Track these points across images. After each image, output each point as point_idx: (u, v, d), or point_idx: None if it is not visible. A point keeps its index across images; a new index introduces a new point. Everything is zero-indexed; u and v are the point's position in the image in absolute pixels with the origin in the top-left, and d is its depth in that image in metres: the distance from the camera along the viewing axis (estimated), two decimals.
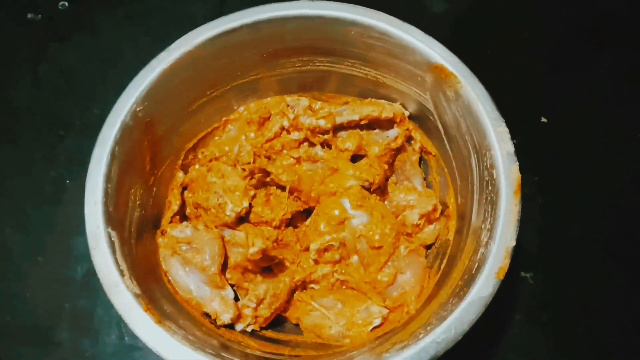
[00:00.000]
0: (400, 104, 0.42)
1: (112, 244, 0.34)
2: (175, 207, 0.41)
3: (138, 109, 0.37)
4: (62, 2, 0.56)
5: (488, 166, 0.35)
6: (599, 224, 0.46)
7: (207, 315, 0.37)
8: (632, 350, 0.42)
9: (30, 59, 0.54)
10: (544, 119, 0.49)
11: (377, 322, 0.36)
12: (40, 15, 0.55)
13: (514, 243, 0.32)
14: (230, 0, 0.56)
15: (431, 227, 0.40)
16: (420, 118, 0.42)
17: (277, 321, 0.40)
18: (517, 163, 0.34)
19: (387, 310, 0.37)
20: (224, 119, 0.44)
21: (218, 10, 0.55)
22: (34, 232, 0.47)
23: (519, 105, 0.48)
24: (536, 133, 0.49)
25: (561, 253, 0.45)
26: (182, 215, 0.42)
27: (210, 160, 0.43)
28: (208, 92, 0.42)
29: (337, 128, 0.41)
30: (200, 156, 0.43)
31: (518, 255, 0.37)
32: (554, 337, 0.42)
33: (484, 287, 0.31)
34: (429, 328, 0.31)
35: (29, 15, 0.55)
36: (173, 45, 0.39)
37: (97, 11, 0.56)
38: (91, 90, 0.52)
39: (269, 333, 0.39)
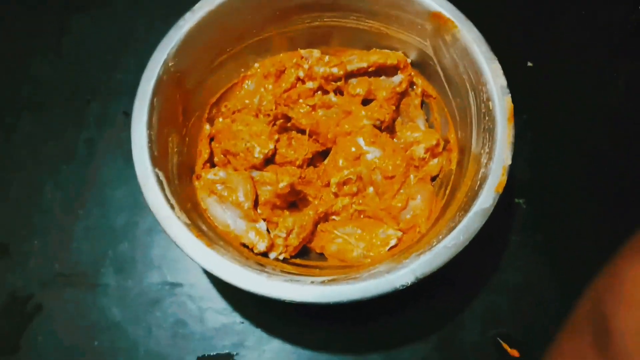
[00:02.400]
0: (402, 52, 0.47)
1: (160, 183, 0.38)
2: (205, 155, 0.46)
3: (170, 64, 0.41)
4: None
5: (484, 99, 0.40)
6: (583, 153, 0.51)
7: (245, 246, 0.42)
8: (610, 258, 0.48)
9: (52, 31, 0.57)
10: (530, 63, 0.54)
11: (393, 242, 0.42)
12: None
13: (509, 162, 0.37)
14: None
15: (435, 160, 0.45)
16: (421, 65, 0.47)
17: (303, 251, 0.45)
18: (510, 94, 0.39)
19: (401, 232, 0.42)
20: (242, 75, 0.48)
21: None
22: (72, 189, 0.51)
23: (507, 51, 0.53)
24: (523, 76, 0.54)
25: (550, 180, 0.50)
26: (211, 164, 0.47)
27: (234, 113, 0.47)
28: (228, 49, 0.46)
29: (348, 76, 0.46)
30: (223, 109, 0.48)
31: (511, 184, 0.42)
32: (547, 254, 0.48)
33: (485, 200, 0.36)
34: (440, 237, 0.36)
35: None
36: (197, 6, 0.43)
37: None
38: (112, 58, 0.56)
39: (297, 261, 0.44)
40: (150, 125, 0.40)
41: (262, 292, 0.35)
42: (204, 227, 0.40)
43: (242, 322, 0.46)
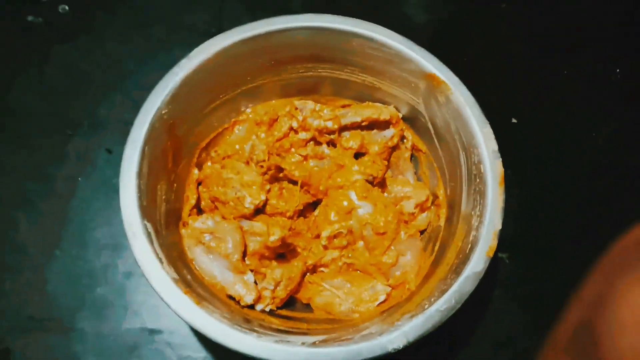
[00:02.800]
0: (394, 107, 0.48)
1: (148, 234, 0.37)
2: (192, 201, 0.45)
3: (164, 112, 0.41)
4: (62, 6, 0.58)
5: (476, 162, 0.41)
6: (567, 210, 0.53)
7: (231, 298, 0.41)
8: None
9: (35, 61, 0.55)
10: (514, 120, 0.56)
11: (382, 297, 0.42)
12: (41, 19, 0.57)
13: (500, 226, 0.38)
14: (228, 11, 0.59)
15: (424, 215, 0.46)
16: (411, 119, 0.48)
17: (290, 301, 0.44)
18: (500, 159, 0.40)
19: (390, 288, 0.42)
20: (233, 120, 0.48)
21: (218, 19, 0.59)
22: (49, 227, 0.49)
23: (491, 108, 0.55)
24: (507, 132, 0.55)
25: (533, 236, 0.51)
26: (198, 209, 0.46)
27: (223, 158, 0.47)
28: (221, 96, 0.46)
29: (341, 129, 0.46)
30: (213, 154, 0.47)
31: None
32: (529, 309, 0.48)
33: (477, 264, 0.37)
34: (432, 299, 0.36)
35: (30, 18, 0.57)
36: (192, 53, 0.42)
37: (98, 15, 0.58)
38: (97, 91, 0.55)
39: (284, 312, 0.43)
40: (140, 175, 0.39)
41: (253, 354, 0.34)
42: (190, 279, 0.39)
43: None
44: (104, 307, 0.47)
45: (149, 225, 0.38)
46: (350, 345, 0.35)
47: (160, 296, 0.36)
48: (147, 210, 0.38)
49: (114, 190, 0.38)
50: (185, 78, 0.42)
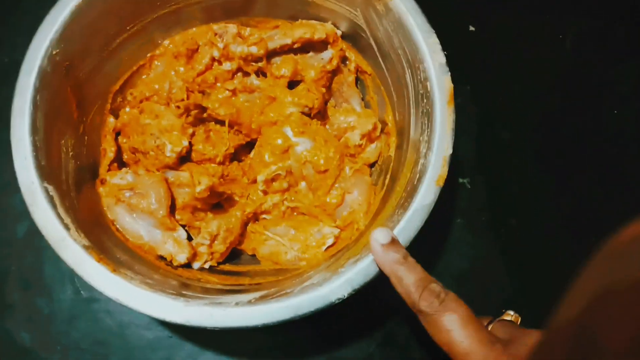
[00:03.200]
0: (331, 24, 0.41)
1: (51, 199, 0.32)
2: (110, 154, 0.40)
3: (54, 52, 0.35)
4: None
5: (422, 79, 0.35)
6: (531, 125, 0.48)
7: (162, 258, 0.37)
8: (558, 240, 0.46)
9: None
10: (472, 27, 0.50)
11: (329, 241, 0.38)
12: None
13: (450, 151, 0.33)
14: None
15: (373, 145, 0.41)
16: (353, 37, 0.42)
17: (234, 254, 0.40)
18: (449, 73, 0.35)
19: (339, 230, 0.38)
20: (148, 54, 0.42)
21: None
22: None
23: (447, 15, 0.48)
24: (465, 42, 0.50)
25: (496, 158, 0.47)
26: (119, 162, 0.41)
27: (141, 101, 0.41)
28: (128, 27, 0.39)
29: (270, 54, 0.40)
30: (129, 97, 0.41)
31: (455, 163, 0.40)
32: (492, 236, 0.45)
33: (425, 196, 0.33)
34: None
35: None
36: None
37: None
38: None
39: (227, 267, 0.39)
40: (34, 130, 0.33)
41: (180, 321, 0.30)
42: (109, 244, 0.35)
43: (170, 337, 0.41)
44: (33, 278, 0.42)
45: (50, 187, 0.33)
46: (289, 299, 0.31)
47: (70, 266, 0.31)
48: (47, 171, 0.33)
49: None
50: (77, 9, 0.35)
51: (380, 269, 0.31)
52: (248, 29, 0.42)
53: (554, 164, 0.47)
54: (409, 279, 0.29)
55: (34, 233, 0.43)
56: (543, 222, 0.46)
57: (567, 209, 0.46)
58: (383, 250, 0.31)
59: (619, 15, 0.52)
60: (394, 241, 0.31)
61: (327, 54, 0.41)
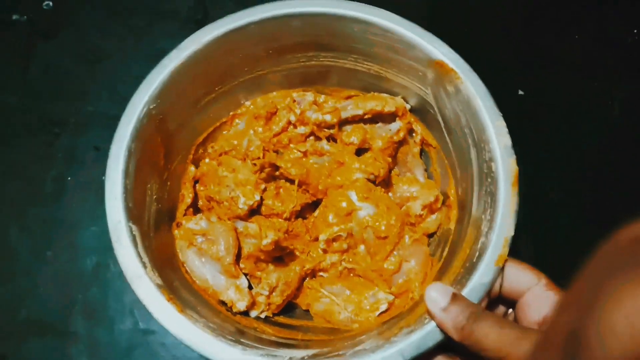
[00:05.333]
0: (401, 98, 0.44)
1: (133, 238, 0.35)
2: (188, 200, 0.43)
3: (151, 107, 0.39)
4: (46, 2, 0.56)
5: (487, 159, 0.37)
6: (577, 190, 0.48)
7: (223, 303, 0.39)
8: None
9: (19, 59, 0.54)
10: (521, 92, 0.52)
11: (383, 307, 0.39)
12: (25, 17, 0.55)
13: (512, 233, 0.34)
14: None
15: (433, 216, 0.42)
16: (421, 111, 0.44)
17: (288, 307, 0.42)
18: (515, 156, 0.36)
19: (393, 297, 0.39)
20: (231, 113, 0.46)
21: (202, 5, 0.56)
22: (39, 231, 0.48)
23: (497, 79, 0.50)
24: (514, 105, 0.51)
25: (542, 221, 0.47)
26: (195, 208, 0.44)
27: (220, 154, 0.44)
28: (216, 89, 0.43)
29: (342, 122, 0.43)
30: (210, 150, 0.45)
31: None
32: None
33: (484, 274, 0.33)
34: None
35: (14, 17, 0.55)
36: (183, 44, 0.40)
37: (81, 9, 0.56)
38: (81, 87, 0.53)
39: (281, 319, 0.41)
40: (126, 174, 0.37)
41: None
42: (177, 284, 0.37)
43: None
44: (97, 309, 0.46)
45: (134, 227, 0.36)
46: None
47: (142, 302, 0.34)
48: (133, 212, 0.37)
49: (103, 188, 0.37)
50: (174, 70, 0.39)
51: (447, 335, 0.30)
52: (323, 96, 0.46)
53: (602, 226, 0.47)
54: (495, 347, 0.28)
55: (101, 267, 0.47)
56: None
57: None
58: (443, 313, 0.30)
59: None
60: (456, 297, 0.30)
61: (395, 125, 0.43)
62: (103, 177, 0.38)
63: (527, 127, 0.50)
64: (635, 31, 0.53)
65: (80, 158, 0.50)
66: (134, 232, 0.36)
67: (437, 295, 0.31)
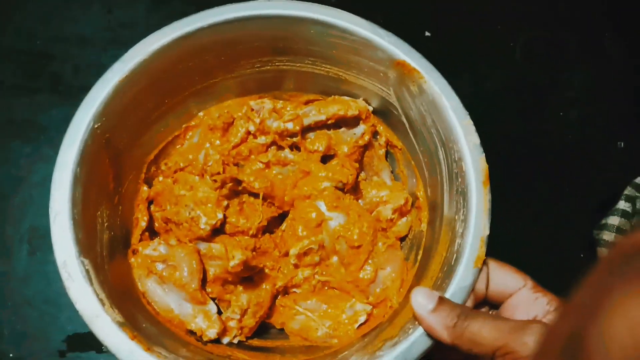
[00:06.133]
0: (363, 100, 0.42)
1: (87, 273, 0.32)
2: (143, 223, 0.40)
3: (96, 126, 0.35)
4: None
5: (456, 159, 0.36)
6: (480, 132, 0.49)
7: (192, 332, 0.37)
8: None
9: None
10: (427, 33, 0.53)
11: (362, 319, 0.37)
12: None
13: (487, 232, 0.34)
14: None
15: (404, 219, 0.41)
16: (384, 113, 0.43)
17: (262, 328, 0.39)
18: (484, 154, 0.35)
19: (371, 307, 0.38)
20: (184, 126, 0.43)
21: None
22: None
23: (405, 21, 0.52)
24: (422, 46, 0.50)
25: None
26: (151, 231, 0.41)
27: (175, 171, 0.41)
28: (166, 101, 0.40)
29: (305, 129, 0.41)
30: (163, 167, 0.42)
31: None
32: None
33: (464, 278, 0.33)
34: (417, 322, 0.32)
35: None
36: (126, 55, 0.37)
37: None
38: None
39: (255, 342, 0.39)
40: (73, 203, 0.33)
41: None
42: (140, 317, 0.34)
43: None
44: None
45: (86, 261, 0.33)
46: None
47: (104, 344, 0.31)
48: (84, 244, 0.33)
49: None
50: (118, 85, 0.36)
51: (436, 338, 0.30)
52: (281, 102, 0.43)
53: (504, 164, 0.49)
54: (491, 339, 0.28)
55: None
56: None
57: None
58: (432, 315, 0.29)
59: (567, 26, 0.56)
60: (442, 300, 0.30)
61: (360, 129, 0.41)
62: None
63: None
64: None
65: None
66: (86, 267, 0.32)
67: (423, 299, 0.30)
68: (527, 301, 0.31)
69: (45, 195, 0.45)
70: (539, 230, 0.50)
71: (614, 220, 0.47)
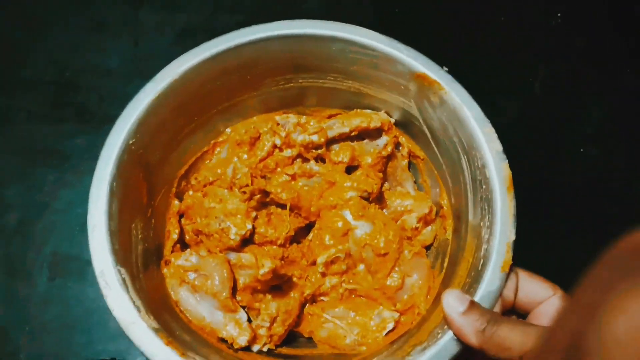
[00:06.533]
0: (385, 112, 0.44)
1: (123, 281, 0.33)
2: (174, 235, 0.41)
3: (130, 142, 0.37)
4: None
5: (479, 166, 0.37)
6: None
7: (223, 340, 0.37)
8: None
9: None
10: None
11: (390, 326, 0.38)
12: None
13: (513, 237, 0.34)
14: None
15: (428, 228, 0.42)
16: (405, 124, 0.44)
17: (290, 338, 0.40)
18: (507, 161, 0.36)
19: (399, 314, 0.38)
20: (212, 142, 0.44)
21: None
22: None
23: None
24: None
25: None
26: (182, 243, 0.42)
27: (205, 185, 0.43)
28: (195, 119, 0.42)
29: (329, 142, 0.42)
30: (193, 182, 0.43)
31: None
32: None
33: (491, 282, 0.33)
34: (445, 327, 0.32)
35: None
36: (158, 76, 0.39)
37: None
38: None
39: (284, 350, 0.39)
40: (110, 215, 0.35)
41: None
42: (173, 325, 0.35)
43: None
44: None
45: (123, 270, 0.34)
46: None
47: (140, 350, 0.32)
48: (120, 254, 0.35)
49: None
50: (152, 103, 0.38)
51: (465, 342, 0.30)
52: (304, 117, 0.45)
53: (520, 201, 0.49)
54: (518, 343, 0.28)
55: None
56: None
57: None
58: (462, 318, 0.30)
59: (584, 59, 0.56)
60: (473, 304, 0.30)
61: (382, 140, 0.43)
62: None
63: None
64: (558, 15, 0.56)
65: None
66: (122, 276, 0.34)
67: (454, 301, 0.30)
68: (555, 310, 0.31)
69: (68, 222, 0.48)
70: (554, 271, 0.48)
71: None
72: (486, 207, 0.36)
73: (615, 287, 0.16)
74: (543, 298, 0.32)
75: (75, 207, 0.49)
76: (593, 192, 0.51)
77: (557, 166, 0.51)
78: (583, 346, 0.16)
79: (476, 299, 0.32)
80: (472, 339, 0.30)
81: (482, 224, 0.36)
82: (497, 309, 0.32)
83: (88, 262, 0.34)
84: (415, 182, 0.45)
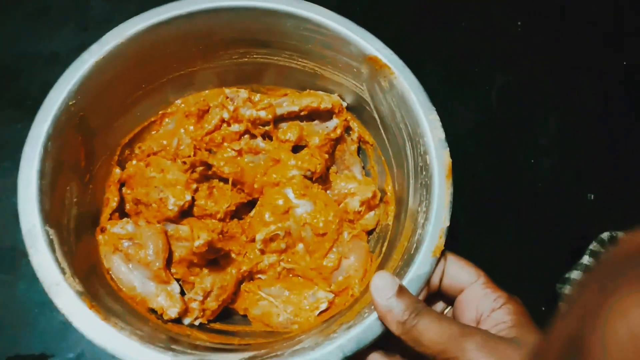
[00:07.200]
0: (338, 95, 0.44)
1: (50, 242, 0.32)
2: (113, 203, 0.40)
3: (70, 103, 0.36)
4: None
5: (422, 152, 0.37)
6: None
7: (153, 311, 0.37)
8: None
9: None
10: None
11: (323, 306, 0.38)
12: None
13: (447, 224, 0.34)
14: None
15: (371, 213, 0.42)
16: (357, 109, 0.44)
17: (225, 314, 0.40)
18: (448, 149, 0.36)
19: (333, 295, 0.38)
20: (161, 112, 0.44)
21: None
22: None
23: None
24: None
25: None
26: (121, 212, 0.41)
27: (148, 155, 0.42)
28: (143, 86, 0.41)
29: (278, 119, 0.42)
30: (137, 151, 0.42)
31: None
32: None
33: (422, 266, 0.33)
34: (372, 307, 0.32)
35: None
36: (104, 38, 0.38)
37: None
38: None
39: (217, 325, 0.39)
40: (42, 174, 0.34)
41: None
42: (102, 292, 0.34)
43: None
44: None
45: (51, 231, 0.33)
46: None
47: (59, 309, 0.31)
48: (50, 215, 0.34)
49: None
50: (95, 65, 0.37)
51: (387, 328, 0.30)
52: (258, 95, 0.44)
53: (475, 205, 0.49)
54: (431, 343, 0.28)
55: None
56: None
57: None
58: (386, 304, 0.30)
59: (543, 70, 0.56)
60: (402, 290, 0.30)
61: (332, 123, 0.42)
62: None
63: None
64: (519, 23, 0.57)
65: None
66: (50, 236, 0.33)
67: (383, 286, 0.30)
68: (477, 297, 0.32)
69: (3, 211, 0.45)
70: (501, 279, 0.46)
71: (577, 275, 0.45)
72: (424, 193, 0.36)
73: (616, 290, 0.16)
74: (467, 283, 0.33)
75: (11, 196, 0.46)
76: (542, 205, 0.51)
77: (506, 177, 0.51)
78: (584, 350, 0.16)
79: (404, 282, 0.32)
80: (393, 327, 0.30)
81: (419, 209, 0.36)
82: (422, 293, 0.33)
83: (23, 254, 0.32)
84: (363, 167, 0.45)
